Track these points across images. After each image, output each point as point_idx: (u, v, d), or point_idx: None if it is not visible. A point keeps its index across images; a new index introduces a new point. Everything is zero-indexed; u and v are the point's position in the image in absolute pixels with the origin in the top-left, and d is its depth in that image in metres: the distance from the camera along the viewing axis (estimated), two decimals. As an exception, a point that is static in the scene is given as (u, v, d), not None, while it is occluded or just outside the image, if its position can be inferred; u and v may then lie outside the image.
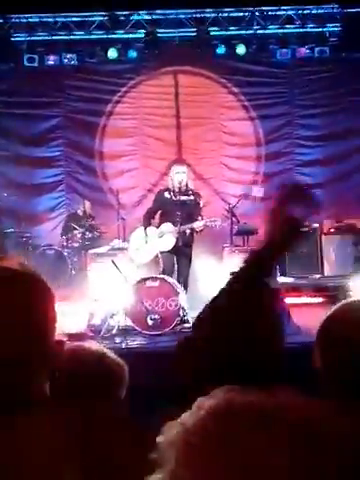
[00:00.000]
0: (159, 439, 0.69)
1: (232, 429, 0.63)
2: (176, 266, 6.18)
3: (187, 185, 6.15)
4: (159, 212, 6.28)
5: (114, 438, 1.02)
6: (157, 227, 6.22)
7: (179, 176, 6.09)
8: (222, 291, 1.26)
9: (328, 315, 1.29)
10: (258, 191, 8.55)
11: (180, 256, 6.13)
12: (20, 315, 1.00)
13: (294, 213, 1.29)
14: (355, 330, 1.20)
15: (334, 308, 1.30)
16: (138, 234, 6.31)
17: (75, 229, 8.30)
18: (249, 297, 1.21)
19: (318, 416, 0.68)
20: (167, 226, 6.09)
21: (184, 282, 6.11)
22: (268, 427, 0.64)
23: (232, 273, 1.28)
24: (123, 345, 5.08)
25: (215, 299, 1.26)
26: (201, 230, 6.00)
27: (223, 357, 1.14)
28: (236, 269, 1.28)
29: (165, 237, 6.08)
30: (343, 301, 1.31)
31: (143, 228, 6.23)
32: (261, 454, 0.62)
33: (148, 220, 6.25)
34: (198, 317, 1.29)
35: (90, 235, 8.29)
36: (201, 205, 6.23)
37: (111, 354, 1.58)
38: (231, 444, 0.62)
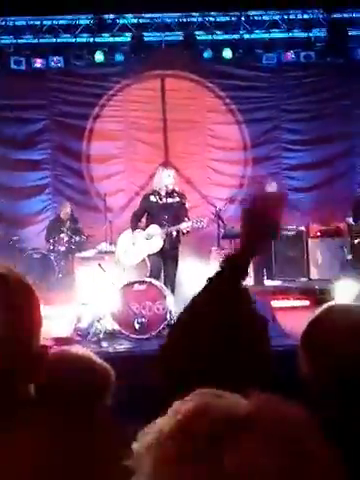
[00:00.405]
0: (134, 445, 0.67)
1: (209, 433, 0.62)
2: (163, 269, 6.18)
3: (173, 188, 6.17)
4: (146, 215, 6.29)
5: (96, 442, 1.01)
6: (144, 229, 6.22)
7: (167, 180, 6.09)
8: (201, 293, 1.26)
9: (311, 319, 1.28)
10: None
11: (167, 259, 6.12)
12: (3, 315, 0.99)
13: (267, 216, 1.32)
14: (337, 334, 1.19)
15: (316, 312, 1.29)
16: (126, 236, 6.30)
17: (62, 232, 8.26)
18: (227, 298, 1.21)
19: (297, 423, 0.66)
20: (154, 228, 6.09)
21: (171, 285, 6.10)
22: (247, 432, 0.62)
23: (209, 278, 1.28)
24: (110, 349, 5.06)
25: (194, 302, 1.25)
26: (188, 231, 6.00)
27: (204, 359, 1.13)
28: (212, 274, 1.28)
29: (153, 239, 6.08)
30: (325, 305, 1.30)
31: (131, 230, 6.23)
32: (242, 458, 0.60)
33: (135, 223, 6.25)
34: (178, 319, 1.28)
35: (77, 239, 8.26)
36: (187, 206, 6.24)
37: (97, 359, 1.56)
38: (209, 449, 0.60)
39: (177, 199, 6.13)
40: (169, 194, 6.10)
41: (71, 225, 8.40)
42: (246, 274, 1.30)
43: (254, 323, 1.23)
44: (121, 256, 6.29)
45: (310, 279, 8.21)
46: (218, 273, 1.27)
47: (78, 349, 1.57)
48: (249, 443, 0.61)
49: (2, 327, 0.97)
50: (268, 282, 8.20)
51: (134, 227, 6.20)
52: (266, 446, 0.60)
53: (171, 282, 6.14)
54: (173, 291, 6.06)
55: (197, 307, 1.24)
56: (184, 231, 6.00)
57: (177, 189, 6.26)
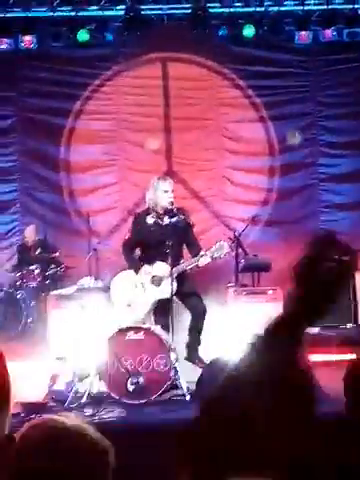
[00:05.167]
0: None
1: None
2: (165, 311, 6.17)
3: (172, 203, 6.15)
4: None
5: None
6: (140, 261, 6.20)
7: (168, 196, 6.11)
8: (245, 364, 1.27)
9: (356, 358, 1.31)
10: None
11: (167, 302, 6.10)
12: None
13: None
14: None
15: None
16: (125, 283, 6.19)
17: (31, 262, 8.31)
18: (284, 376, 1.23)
19: None
20: (161, 268, 6.04)
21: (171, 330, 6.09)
22: None
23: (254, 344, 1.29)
24: (96, 418, 5.06)
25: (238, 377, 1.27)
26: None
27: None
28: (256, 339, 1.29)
29: (164, 285, 6.03)
30: None
31: (128, 272, 6.16)
32: None
33: (134, 260, 6.19)
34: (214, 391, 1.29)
35: (51, 271, 8.30)
36: (192, 225, 6.25)
37: (92, 431, 1.52)
38: None
39: (181, 217, 6.13)
40: (168, 212, 6.10)
41: (43, 253, 8.44)
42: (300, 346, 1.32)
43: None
44: (122, 310, 6.17)
45: (358, 325, 8.20)
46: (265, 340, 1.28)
47: (68, 418, 1.52)
48: None
49: None
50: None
51: (136, 267, 6.12)
52: None
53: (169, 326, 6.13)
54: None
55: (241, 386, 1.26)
56: (201, 265, 6.01)
57: (175, 205, 6.22)
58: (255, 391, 1.22)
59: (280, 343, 1.27)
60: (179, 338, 6.10)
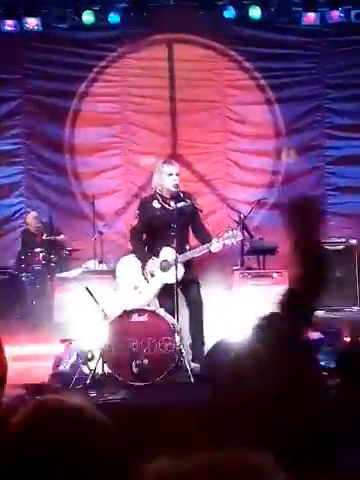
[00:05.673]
0: None
1: None
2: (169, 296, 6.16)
3: (178, 189, 6.07)
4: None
5: None
6: (149, 248, 6.13)
7: (173, 179, 6.04)
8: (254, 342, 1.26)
9: None
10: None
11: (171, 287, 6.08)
12: None
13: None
14: None
15: None
16: (132, 266, 6.13)
17: (36, 245, 8.31)
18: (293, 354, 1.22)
19: None
20: (168, 253, 5.99)
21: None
22: None
23: (262, 321, 1.28)
24: (100, 400, 5.08)
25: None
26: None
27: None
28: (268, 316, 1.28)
29: (172, 270, 5.97)
30: None
31: (134, 256, 6.11)
32: None
33: (142, 247, 6.13)
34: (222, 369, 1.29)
35: (56, 254, 8.30)
36: (200, 209, 6.19)
37: (93, 410, 1.51)
38: None
39: (188, 202, 6.06)
40: (175, 197, 6.03)
41: (47, 236, 8.43)
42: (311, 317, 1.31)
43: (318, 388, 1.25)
44: (129, 294, 6.13)
45: (364, 308, 8.21)
46: (275, 316, 1.27)
47: (69, 398, 1.51)
48: None
49: None
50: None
51: (144, 258, 6.04)
52: None
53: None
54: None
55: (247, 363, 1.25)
56: (214, 251, 5.96)
57: (181, 189, 6.15)
58: (260, 372, 1.21)
59: (282, 323, 1.26)
60: (183, 322, 6.09)
